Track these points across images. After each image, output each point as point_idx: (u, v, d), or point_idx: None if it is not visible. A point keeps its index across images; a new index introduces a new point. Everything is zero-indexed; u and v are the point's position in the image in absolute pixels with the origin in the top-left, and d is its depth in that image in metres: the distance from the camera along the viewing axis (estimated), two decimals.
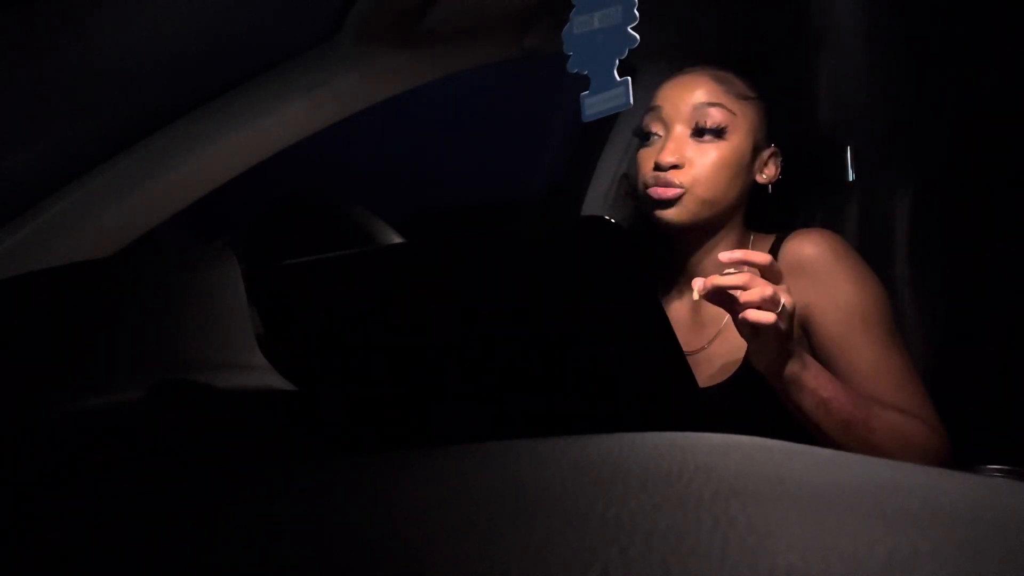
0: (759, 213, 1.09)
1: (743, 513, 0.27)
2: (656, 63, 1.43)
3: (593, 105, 0.69)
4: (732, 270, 0.84)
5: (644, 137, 1.05)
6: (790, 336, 0.85)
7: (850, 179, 1.25)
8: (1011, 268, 1.11)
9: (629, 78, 0.68)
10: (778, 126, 1.15)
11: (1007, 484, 0.32)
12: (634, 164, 1.08)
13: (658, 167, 1.00)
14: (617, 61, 0.68)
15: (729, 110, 1.02)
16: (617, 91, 0.68)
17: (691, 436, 0.37)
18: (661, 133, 1.04)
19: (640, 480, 0.31)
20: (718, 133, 1.01)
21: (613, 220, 0.52)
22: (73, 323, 0.68)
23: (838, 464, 0.34)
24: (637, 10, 0.66)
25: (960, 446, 0.92)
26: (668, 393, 0.57)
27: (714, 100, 1.02)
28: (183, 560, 0.29)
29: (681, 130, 1.02)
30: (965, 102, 1.19)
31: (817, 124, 1.28)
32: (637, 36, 0.67)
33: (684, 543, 0.25)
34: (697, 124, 1.01)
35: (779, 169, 1.07)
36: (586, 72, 0.69)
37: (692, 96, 1.02)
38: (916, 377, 0.95)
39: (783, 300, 0.82)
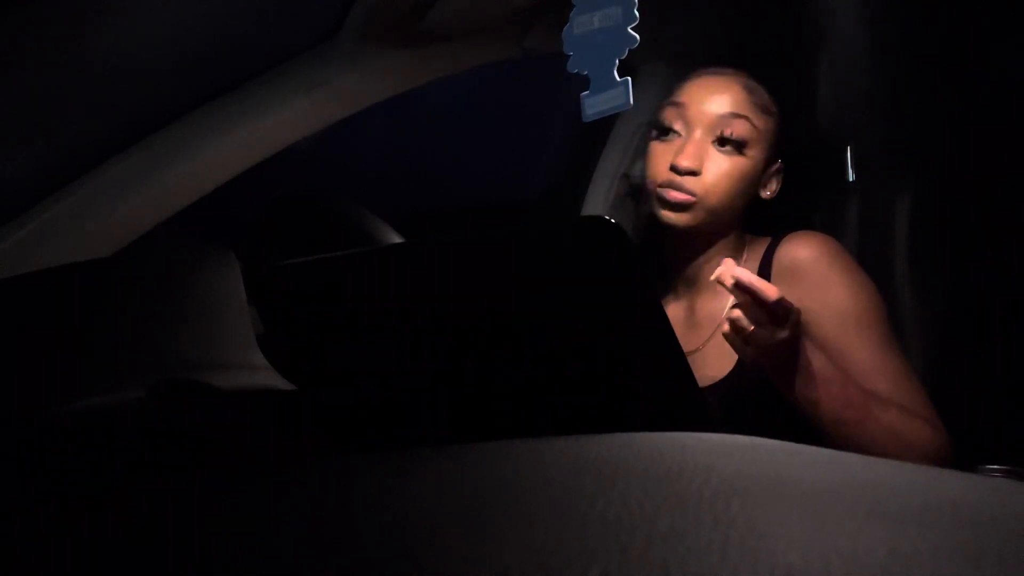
0: (755, 216, 1.10)
1: (743, 513, 0.27)
2: (656, 63, 1.43)
3: (593, 105, 0.69)
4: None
5: (662, 131, 1.03)
6: (783, 341, 0.85)
7: (850, 179, 1.25)
8: (1011, 268, 1.11)
9: (629, 78, 0.67)
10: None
11: (1007, 484, 0.32)
12: (641, 159, 1.07)
13: (675, 169, 0.99)
14: (617, 61, 0.67)
15: (754, 124, 1.00)
16: (617, 91, 0.68)
17: (691, 436, 0.37)
18: (682, 132, 1.01)
19: (640, 480, 0.31)
20: (739, 146, 1.00)
21: (613, 220, 0.52)
22: (73, 323, 0.68)
23: (838, 464, 0.34)
24: (637, 10, 0.66)
25: (960, 446, 0.93)
26: (668, 393, 0.57)
27: (741, 112, 1.00)
28: (183, 560, 0.29)
29: (702, 135, 1.00)
30: (965, 102, 1.19)
31: (817, 124, 1.28)
32: (637, 36, 0.67)
33: (684, 543, 0.25)
34: (721, 133, 1.00)
35: (780, 184, 1.07)
36: (586, 72, 0.69)
37: (720, 103, 1.00)
38: (914, 378, 0.95)
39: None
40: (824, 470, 0.33)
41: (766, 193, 1.06)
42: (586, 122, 0.70)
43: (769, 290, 0.82)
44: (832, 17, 1.23)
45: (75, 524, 0.36)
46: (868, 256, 1.19)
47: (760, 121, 1.01)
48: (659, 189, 1.00)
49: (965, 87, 1.18)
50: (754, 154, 1.01)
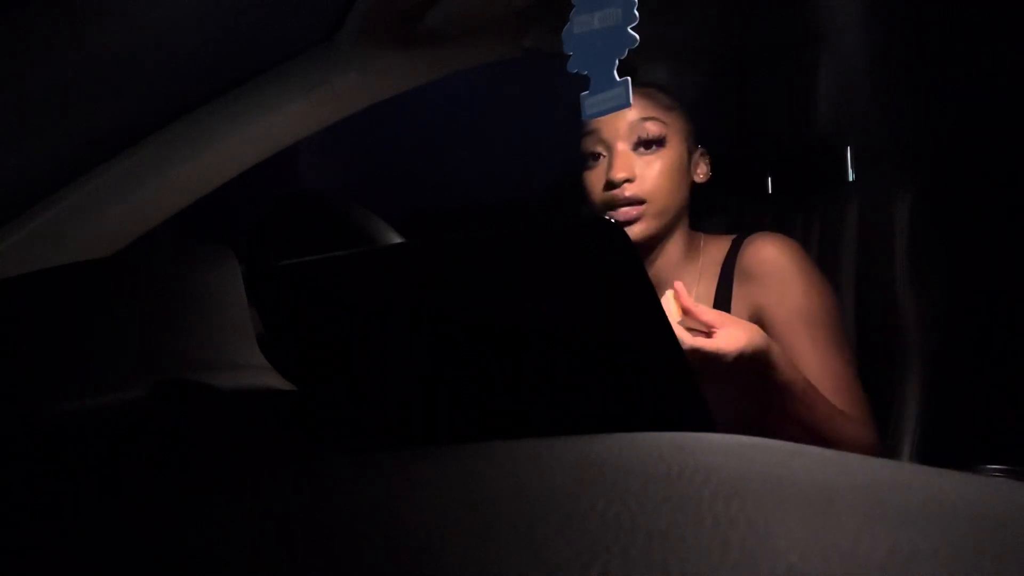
0: (708, 214, 1.14)
1: (743, 513, 0.27)
2: (656, 63, 1.43)
3: (593, 105, 0.69)
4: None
5: (589, 159, 1.09)
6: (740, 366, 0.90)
7: (850, 179, 1.26)
8: (1011, 268, 1.11)
9: (629, 78, 0.67)
10: (779, 126, 1.15)
11: (1007, 484, 0.32)
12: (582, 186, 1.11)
13: (611, 184, 1.05)
14: (617, 61, 0.67)
15: (663, 121, 1.07)
16: (617, 91, 0.68)
17: (691, 436, 0.37)
18: (604, 152, 1.08)
19: (640, 480, 0.31)
20: (659, 143, 1.07)
21: (613, 220, 0.52)
22: (73, 323, 0.68)
23: (838, 464, 0.34)
24: (637, 10, 0.66)
25: (960, 446, 0.93)
26: (668, 393, 0.57)
27: (648, 115, 1.07)
28: (183, 560, 0.29)
29: (623, 147, 1.06)
30: (965, 101, 1.19)
31: (817, 124, 1.28)
32: (637, 36, 0.67)
33: (684, 543, 0.25)
34: (639, 138, 1.06)
35: (709, 167, 1.13)
36: (586, 72, 0.69)
37: (626, 115, 1.06)
38: (854, 380, 1.02)
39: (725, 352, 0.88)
40: (824, 470, 0.33)
41: (698, 177, 1.12)
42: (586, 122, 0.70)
43: (705, 316, 0.89)
44: (832, 16, 1.23)
45: (75, 524, 0.36)
46: (868, 256, 1.19)
47: (668, 117, 1.09)
48: (606, 215, 1.05)
49: (965, 86, 1.18)
50: (674, 146, 1.08)
